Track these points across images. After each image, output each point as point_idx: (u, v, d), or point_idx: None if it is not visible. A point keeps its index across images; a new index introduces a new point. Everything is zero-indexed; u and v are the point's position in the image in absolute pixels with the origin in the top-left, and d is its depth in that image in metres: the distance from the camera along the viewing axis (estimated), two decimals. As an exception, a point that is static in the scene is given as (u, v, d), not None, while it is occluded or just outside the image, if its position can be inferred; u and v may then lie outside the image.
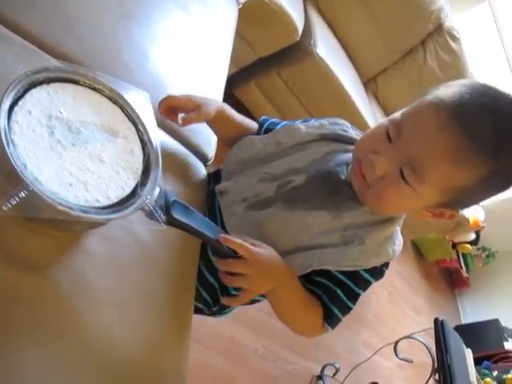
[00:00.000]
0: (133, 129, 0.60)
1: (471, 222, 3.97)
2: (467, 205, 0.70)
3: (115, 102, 0.60)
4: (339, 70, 2.19)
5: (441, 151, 0.60)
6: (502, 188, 0.65)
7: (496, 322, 4.42)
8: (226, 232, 0.72)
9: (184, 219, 0.59)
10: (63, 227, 0.54)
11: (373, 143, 0.68)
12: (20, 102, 0.52)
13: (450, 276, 5.41)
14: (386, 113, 2.88)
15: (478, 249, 5.16)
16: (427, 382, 2.27)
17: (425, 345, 2.20)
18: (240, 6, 1.28)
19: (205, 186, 0.86)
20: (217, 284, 0.79)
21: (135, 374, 0.60)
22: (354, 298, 0.73)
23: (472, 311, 5.25)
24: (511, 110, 0.61)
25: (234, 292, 0.76)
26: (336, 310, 0.72)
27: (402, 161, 0.64)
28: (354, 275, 0.71)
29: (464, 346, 2.31)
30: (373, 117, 2.56)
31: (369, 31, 2.63)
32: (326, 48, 2.17)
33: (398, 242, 0.74)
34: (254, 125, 0.89)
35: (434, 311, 4.35)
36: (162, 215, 0.55)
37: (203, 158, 0.91)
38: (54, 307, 0.52)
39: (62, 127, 0.54)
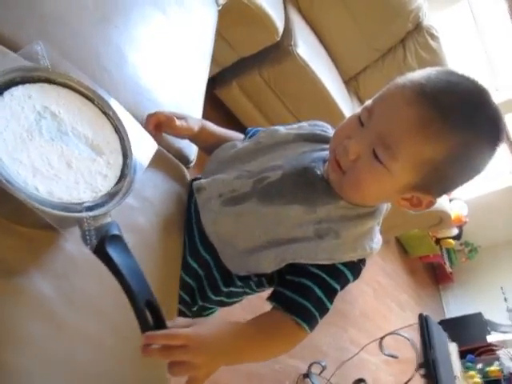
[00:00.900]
0: (120, 162, 0.60)
1: (454, 216, 4.02)
2: (443, 188, 0.70)
3: (117, 132, 0.62)
4: (320, 70, 2.20)
5: (409, 124, 0.62)
6: (472, 169, 0.66)
7: (479, 315, 4.50)
8: (203, 229, 0.75)
9: (114, 256, 0.52)
10: (23, 220, 0.53)
11: (347, 131, 0.70)
12: (28, 84, 0.54)
13: (433, 271, 5.48)
14: (368, 111, 2.89)
15: (461, 244, 5.23)
16: (412, 377, 2.29)
17: (409, 340, 2.23)
18: (220, 8, 1.28)
19: (186, 187, 0.86)
20: (194, 284, 0.79)
21: (119, 378, 0.60)
22: (331, 293, 0.69)
23: (456, 305, 5.32)
24: (477, 88, 0.64)
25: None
26: (310, 306, 0.67)
27: (374, 140, 0.65)
28: (329, 268, 0.69)
29: (449, 340, 2.35)
30: (354, 115, 2.56)
31: (349, 30, 2.65)
32: (307, 48, 2.18)
33: (377, 240, 0.74)
34: (238, 135, 0.91)
35: (419, 306, 4.40)
36: (93, 240, 0.51)
37: (185, 161, 0.91)
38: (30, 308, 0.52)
39: (52, 122, 0.54)
